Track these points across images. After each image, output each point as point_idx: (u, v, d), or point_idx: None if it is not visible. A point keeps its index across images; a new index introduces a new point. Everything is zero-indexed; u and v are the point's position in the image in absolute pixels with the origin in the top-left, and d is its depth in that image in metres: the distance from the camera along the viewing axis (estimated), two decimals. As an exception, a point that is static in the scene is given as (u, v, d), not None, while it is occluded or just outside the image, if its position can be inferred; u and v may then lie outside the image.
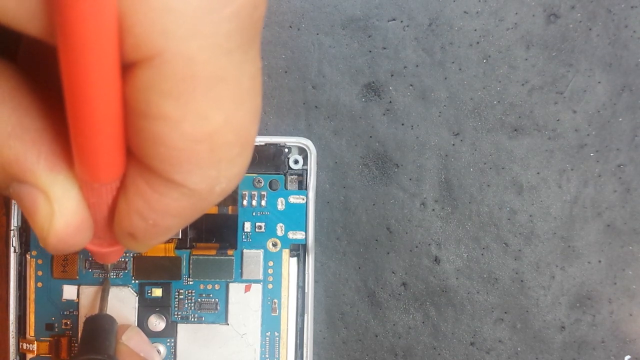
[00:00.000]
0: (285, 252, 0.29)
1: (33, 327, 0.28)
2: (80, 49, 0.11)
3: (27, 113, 0.14)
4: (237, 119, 0.13)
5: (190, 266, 0.28)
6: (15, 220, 0.28)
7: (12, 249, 0.28)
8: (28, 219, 0.14)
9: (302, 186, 0.29)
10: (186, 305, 0.28)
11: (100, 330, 0.24)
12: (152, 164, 0.13)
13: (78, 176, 0.14)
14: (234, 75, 0.12)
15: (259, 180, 0.29)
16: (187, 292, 0.28)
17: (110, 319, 0.25)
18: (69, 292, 0.28)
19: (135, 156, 0.13)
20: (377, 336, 0.30)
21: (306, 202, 0.29)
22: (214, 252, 0.28)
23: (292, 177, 0.29)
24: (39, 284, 0.28)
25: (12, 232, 0.28)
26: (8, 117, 0.13)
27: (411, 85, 0.30)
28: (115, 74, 0.12)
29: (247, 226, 0.29)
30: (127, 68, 0.12)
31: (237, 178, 0.14)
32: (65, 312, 0.28)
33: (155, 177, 0.13)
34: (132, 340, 0.26)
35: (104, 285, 0.27)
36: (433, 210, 0.30)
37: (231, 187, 0.14)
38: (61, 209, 0.14)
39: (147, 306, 0.28)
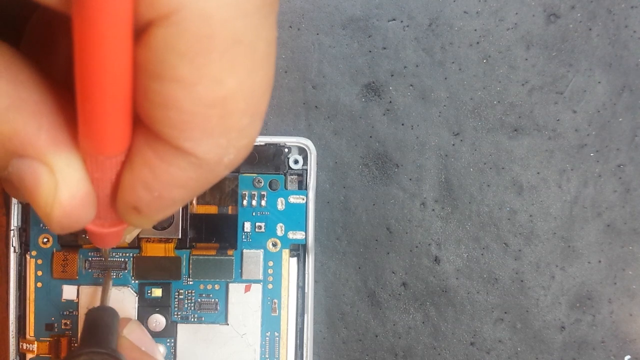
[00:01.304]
0: (285, 252, 0.29)
1: (33, 327, 0.28)
2: (95, 7, 0.11)
3: (25, 86, 0.13)
4: (250, 85, 0.13)
5: (190, 266, 0.28)
6: (15, 220, 0.28)
7: (12, 249, 0.28)
8: (29, 198, 0.14)
9: (302, 186, 0.29)
10: (186, 305, 0.28)
11: (102, 323, 0.24)
12: (161, 131, 0.13)
13: (82, 149, 0.14)
14: (251, 38, 0.12)
15: (259, 180, 0.29)
16: (187, 292, 0.28)
17: (112, 312, 0.25)
18: (69, 292, 0.28)
19: (144, 124, 0.13)
20: (377, 336, 0.30)
21: (306, 202, 0.29)
22: (214, 252, 0.28)
23: (292, 177, 0.29)
24: (39, 284, 0.28)
25: (12, 232, 0.28)
26: (5, 91, 0.13)
27: (411, 85, 0.30)
28: (128, 35, 0.12)
29: (247, 226, 0.29)
30: (142, 30, 0.12)
31: (245, 150, 0.14)
32: (65, 312, 0.28)
33: (163, 146, 0.13)
34: (134, 333, 0.25)
35: (105, 278, 0.27)
36: (433, 210, 0.30)
37: (239, 160, 0.14)
38: (65, 180, 0.14)
39: (147, 306, 0.28)
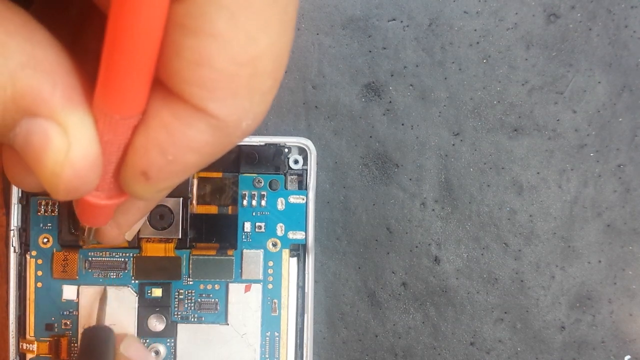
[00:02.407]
0: (285, 252, 0.29)
1: (33, 327, 0.28)
2: None
3: (41, 46, 0.13)
4: (278, 46, 0.13)
5: (190, 266, 0.28)
6: (15, 220, 0.28)
7: (12, 249, 0.28)
8: (35, 160, 0.14)
9: (302, 186, 0.29)
10: (186, 305, 0.28)
11: (98, 342, 0.24)
12: (186, 91, 0.13)
13: (97, 109, 0.14)
14: (285, 0, 0.13)
15: (259, 180, 0.29)
16: (187, 292, 0.28)
17: (108, 330, 0.25)
18: (69, 292, 0.28)
19: (164, 86, 0.13)
20: (377, 336, 0.30)
21: (306, 202, 0.29)
22: (214, 252, 0.28)
23: (292, 177, 0.29)
24: (39, 284, 0.28)
25: (12, 232, 0.28)
26: (22, 47, 0.13)
27: (411, 85, 0.30)
28: None
29: (247, 226, 0.29)
30: None
31: (261, 117, 0.15)
32: (65, 312, 0.28)
33: (183, 107, 0.13)
34: (130, 348, 0.26)
35: (101, 296, 0.27)
36: (433, 210, 0.30)
37: (254, 127, 0.15)
38: (78, 139, 0.13)
39: (147, 306, 0.28)
